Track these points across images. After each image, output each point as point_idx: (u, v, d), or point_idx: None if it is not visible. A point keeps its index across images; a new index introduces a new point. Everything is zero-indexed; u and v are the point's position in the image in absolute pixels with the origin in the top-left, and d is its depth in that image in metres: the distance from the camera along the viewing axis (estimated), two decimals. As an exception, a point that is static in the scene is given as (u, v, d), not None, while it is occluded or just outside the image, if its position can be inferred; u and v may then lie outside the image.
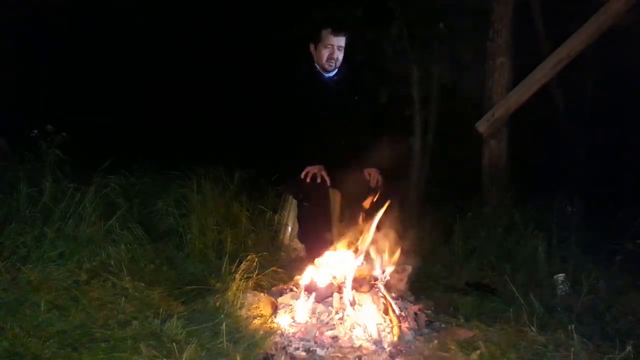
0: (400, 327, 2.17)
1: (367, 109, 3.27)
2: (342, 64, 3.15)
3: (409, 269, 2.71)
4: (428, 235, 3.59)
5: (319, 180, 2.92)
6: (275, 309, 2.32)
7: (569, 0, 4.29)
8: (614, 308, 2.47)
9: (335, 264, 2.46)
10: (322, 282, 2.38)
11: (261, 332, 2.10)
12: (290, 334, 2.13)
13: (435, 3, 4.36)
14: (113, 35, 5.17)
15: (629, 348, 1.93)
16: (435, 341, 2.15)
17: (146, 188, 3.42)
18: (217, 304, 2.27)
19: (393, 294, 2.40)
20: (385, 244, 2.60)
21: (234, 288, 2.32)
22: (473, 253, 3.32)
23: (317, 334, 2.11)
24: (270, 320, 2.23)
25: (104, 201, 2.90)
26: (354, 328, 2.14)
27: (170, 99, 5.34)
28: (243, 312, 2.23)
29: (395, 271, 2.63)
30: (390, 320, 2.20)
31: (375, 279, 2.42)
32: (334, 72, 3.16)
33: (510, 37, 4.08)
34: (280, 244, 3.32)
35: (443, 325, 2.35)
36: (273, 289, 2.55)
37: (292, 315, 2.25)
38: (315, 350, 2.03)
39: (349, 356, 2.01)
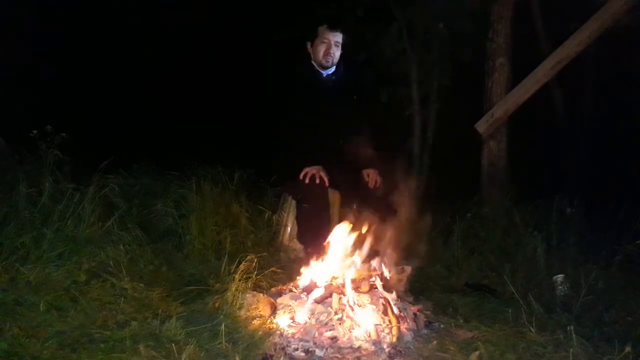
0: (399, 327, 2.16)
1: (366, 109, 3.27)
2: (341, 63, 3.15)
3: (409, 269, 2.71)
4: (427, 236, 3.59)
5: (317, 181, 2.92)
6: (274, 309, 2.32)
7: (568, 0, 4.30)
8: (613, 309, 2.47)
9: (334, 264, 2.46)
10: (321, 283, 2.38)
11: (260, 332, 2.09)
12: (290, 335, 2.13)
13: (435, 3, 4.36)
14: (112, 35, 5.17)
15: (627, 349, 1.93)
16: (435, 342, 2.15)
17: (145, 188, 3.42)
18: (216, 304, 2.27)
19: (392, 295, 2.40)
20: (385, 245, 2.61)
21: (233, 289, 2.31)
22: (472, 253, 3.32)
23: (316, 334, 2.11)
24: (269, 320, 2.23)
25: (103, 202, 2.89)
26: (353, 329, 2.14)
27: (169, 99, 5.34)
28: (242, 312, 2.23)
29: (395, 272, 2.64)
30: (390, 321, 2.20)
31: (375, 280, 2.42)
32: (332, 71, 3.16)
33: (509, 37, 4.08)
34: (279, 245, 3.32)
35: (442, 326, 2.35)
36: (272, 289, 2.55)
37: (291, 316, 2.25)
38: (314, 351, 2.03)
39: (348, 357, 2.01)
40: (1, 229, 2.53)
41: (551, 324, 2.27)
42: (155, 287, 2.44)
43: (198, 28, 5.51)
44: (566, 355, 1.96)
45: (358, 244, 2.53)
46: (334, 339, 2.10)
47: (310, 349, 2.04)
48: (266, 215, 3.41)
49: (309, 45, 3.14)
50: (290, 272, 2.75)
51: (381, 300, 2.31)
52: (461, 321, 2.37)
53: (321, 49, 3.07)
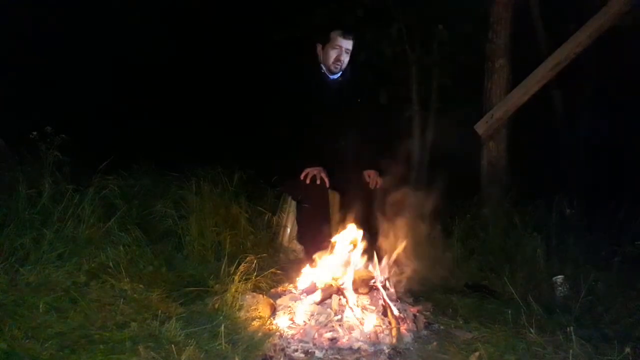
0: (399, 328, 2.17)
1: (369, 111, 3.27)
2: (347, 67, 3.16)
3: (408, 270, 2.71)
4: (427, 237, 3.59)
5: (318, 182, 2.92)
6: (274, 310, 2.32)
7: (567, 2, 4.30)
8: (613, 310, 2.47)
9: (334, 265, 2.46)
10: (321, 284, 2.38)
11: (260, 333, 2.09)
12: (289, 336, 2.13)
13: (435, 4, 4.37)
14: (112, 36, 5.17)
15: (627, 350, 1.93)
16: (434, 343, 2.16)
17: (145, 189, 3.42)
18: (216, 305, 2.26)
19: (392, 296, 2.40)
20: (385, 246, 2.61)
21: (233, 290, 2.31)
22: (472, 254, 3.33)
23: (316, 335, 2.11)
24: (269, 322, 2.23)
25: (103, 203, 2.89)
26: (352, 330, 2.14)
27: (169, 99, 5.34)
28: (242, 313, 2.23)
29: (394, 273, 2.64)
30: (389, 322, 2.20)
31: (374, 281, 2.42)
32: (339, 75, 3.16)
33: (509, 38, 4.08)
34: (279, 246, 3.32)
35: (442, 327, 2.35)
36: (272, 290, 2.55)
37: (291, 317, 2.25)
38: (314, 352, 2.03)
39: (348, 358, 2.01)
40: (1, 229, 2.53)
41: (551, 325, 2.27)
42: (155, 288, 2.44)
43: (198, 28, 5.51)
44: (566, 356, 1.96)
45: (358, 245, 2.53)
46: (333, 340, 2.10)
47: (309, 350, 2.04)
48: (266, 217, 3.41)
49: (319, 47, 3.13)
50: (290, 273, 2.75)
51: (381, 302, 2.31)
52: (461, 322, 2.37)
53: (332, 55, 3.06)
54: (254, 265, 2.50)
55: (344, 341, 2.09)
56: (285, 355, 2.00)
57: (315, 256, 2.57)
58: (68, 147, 2.91)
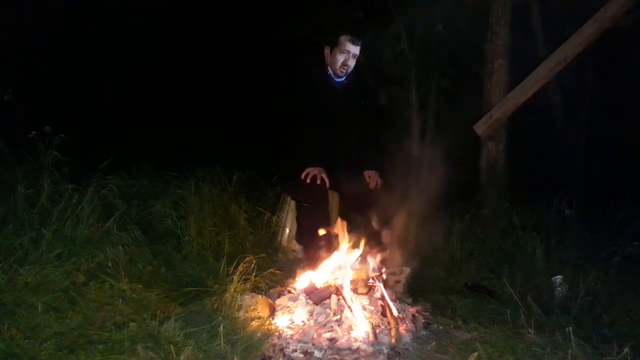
0: (398, 329, 2.16)
1: (370, 113, 3.28)
2: (353, 70, 3.16)
3: (407, 270, 2.71)
4: (426, 237, 3.59)
5: (318, 182, 2.92)
6: (273, 310, 2.32)
7: (567, 2, 4.30)
8: (612, 310, 2.47)
9: (333, 265, 2.46)
10: (320, 284, 2.38)
11: (259, 334, 2.09)
12: (288, 336, 2.13)
13: (435, 4, 4.36)
14: (111, 36, 5.17)
15: (626, 350, 1.93)
16: (433, 343, 2.16)
17: (144, 189, 3.42)
18: (215, 305, 2.26)
19: (391, 296, 2.40)
20: (384, 246, 2.61)
21: (232, 290, 2.31)
22: (471, 255, 3.33)
23: (315, 335, 2.11)
24: (268, 322, 2.23)
25: (102, 202, 2.89)
26: (351, 330, 2.14)
27: (168, 99, 5.34)
28: (241, 314, 2.23)
29: (394, 273, 2.64)
30: (388, 322, 2.20)
31: (374, 281, 2.42)
32: (344, 77, 3.16)
33: (508, 39, 4.08)
34: (278, 246, 3.32)
35: (441, 327, 2.35)
36: (271, 290, 2.55)
37: (290, 317, 2.25)
38: (313, 352, 2.03)
39: (347, 358, 2.01)
40: (0, 229, 2.53)
41: (550, 325, 2.28)
42: (154, 288, 2.44)
43: (198, 28, 5.51)
44: (565, 356, 1.96)
45: (357, 245, 2.53)
46: (332, 340, 2.10)
47: (308, 350, 2.04)
48: (265, 217, 3.41)
49: (327, 49, 3.13)
50: (289, 273, 2.75)
51: (380, 302, 2.31)
52: (460, 322, 2.37)
53: (340, 59, 3.06)
54: (253, 265, 2.50)
55: (342, 341, 2.09)
56: (284, 355, 2.00)
57: (315, 256, 2.57)
58: (67, 147, 2.91)
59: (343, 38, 3.06)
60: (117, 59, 5.22)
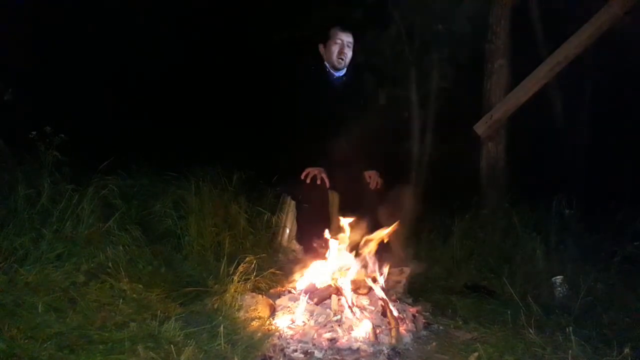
0: (398, 329, 2.16)
1: (370, 112, 3.28)
2: (351, 65, 3.16)
3: (408, 270, 2.71)
4: (426, 237, 3.59)
5: (318, 182, 2.92)
6: (273, 310, 2.32)
7: (567, 2, 4.31)
8: (612, 310, 2.48)
9: (333, 265, 2.46)
10: (320, 284, 2.38)
11: (259, 334, 2.09)
12: (289, 336, 2.13)
13: (434, 5, 4.37)
14: (112, 36, 5.17)
15: (626, 350, 1.94)
16: (434, 343, 2.16)
17: (144, 189, 3.42)
18: (215, 305, 2.26)
19: (391, 296, 2.40)
20: (384, 246, 2.61)
21: (232, 290, 2.31)
22: (471, 255, 3.33)
23: (315, 336, 2.11)
24: (268, 322, 2.23)
25: (102, 203, 2.89)
26: (352, 330, 2.14)
27: (169, 100, 5.34)
28: (241, 314, 2.23)
29: (394, 273, 2.64)
30: (389, 322, 2.20)
31: (374, 281, 2.42)
32: (343, 73, 3.16)
33: (508, 39, 4.08)
34: (278, 246, 3.32)
35: (441, 327, 2.35)
36: (271, 290, 2.55)
37: (291, 317, 2.25)
38: (313, 353, 2.03)
39: (347, 358, 2.01)
40: (0, 229, 2.53)
41: (550, 325, 2.28)
42: (154, 288, 2.44)
43: (198, 28, 5.51)
44: (565, 356, 1.96)
45: (357, 245, 2.53)
46: (333, 340, 2.10)
47: (309, 351, 2.04)
48: (265, 217, 3.41)
49: (321, 47, 3.14)
50: (289, 273, 2.75)
51: (380, 302, 2.31)
52: (460, 322, 2.38)
53: (335, 50, 3.08)
54: (253, 265, 2.50)
55: (343, 341, 2.09)
56: (284, 355, 2.00)
57: (315, 256, 2.57)
58: (67, 147, 2.90)
59: (333, 30, 3.10)
60: (117, 59, 5.22)
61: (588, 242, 3.20)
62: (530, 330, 2.16)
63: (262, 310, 2.27)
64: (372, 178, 3.09)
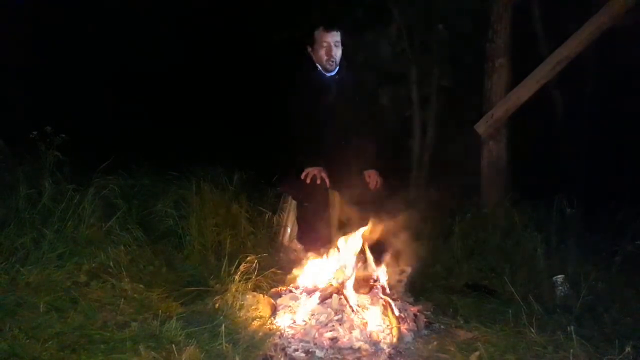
0: (399, 328, 2.17)
1: (368, 110, 3.27)
2: (343, 63, 3.13)
3: (409, 270, 2.71)
4: (427, 236, 3.59)
5: (318, 182, 2.92)
6: (274, 310, 2.32)
7: (568, 1, 4.30)
8: (613, 309, 2.47)
9: (334, 265, 2.46)
10: (321, 284, 2.38)
11: (260, 333, 2.10)
12: (290, 335, 2.13)
13: (434, 4, 4.36)
14: (112, 36, 5.17)
15: (628, 349, 1.94)
16: (435, 342, 2.16)
17: (145, 189, 3.42)
18: (216, 305, 2.26)
19: (392, 295, 2.40)
20: (385, 246, 2.61)
21: (233, 289, 2.31)
22: (472, 254, 3.32)
23: (316, 335, 2.11)
24: (269, 321, 2.23)
25: (103, 202, 2.89)
26: (353, 329, 2.14)
27: (169, 100, 5.34)
28: (242, 313, 2.23)
29: (395, 272, 2.64)
30: (390, 322, 2.20)
31: (375, 280, 2.42)
32: (336, 71, 3.14)
33: (509, 38, 4.08)
34: (279, 245, 3.32)
35: (442, 327, 2.35)
36: (272, 290, 2.55)
37: (292, 317, 2.25)
38: (315, 352, 2.03)
39: (348, 357, 2.01)
40: (1, 229, 2.53)
41: (551, 325, 2.27)
42: (155, 288, 2.44)
43: (198, 28, 5.51)
44: (566, 355, 1.96)
45: (358, 245, 2.53)
46: (334, 339, 2.10)
47: (310, 350, 2.04)
48: (266, 216, 3.41)
49: (309, 48, 3.11)
50: (290, 272, 2.75)
51: (381, 301, 2.31)
52: (461, 322, 2.37)
53: (322, 54, 3.02)
54: (254, 264, 2.50)
55: (344, 340, 2.09)
56: (285, 354, 2.01)
57: (315, 255, 2.57)
58: (68, 147, 2.91)
59: (317, 32, 3.03)
60: (117, 58, 5.22)
61: (589, 241, 3.19)
62: (532, 330, 2.16)
63: (263, 310, 2.27)
64: (372, 178, 3.08)
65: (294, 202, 3.29)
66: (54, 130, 2.87)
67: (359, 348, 2.06)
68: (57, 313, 2.08)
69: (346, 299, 2.26)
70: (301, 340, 2.10)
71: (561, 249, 3.15)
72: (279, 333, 2.14)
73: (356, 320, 2.18)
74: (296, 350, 2.04)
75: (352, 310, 2.21)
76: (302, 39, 3.16)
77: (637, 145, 4.11)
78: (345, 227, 2.75)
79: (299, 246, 3.28)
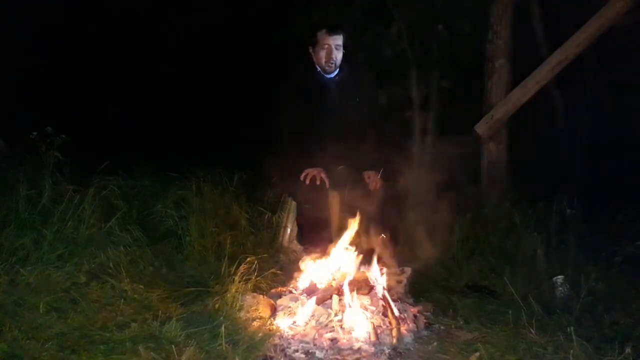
0: (399, 329, 2.16)
1: (368, 111, 3.26)
2: (343, 64, 3.13)
3: (408, 270, 2.71)
4: (427, 237, 3.58)
5: (318, 183, 2.92)
6: (274, 311, 2.32)
7: (568, 2, 4.30)
8: (614, 310, 2.47)
9: (334, 265, 2.46)
10: (321, 284, 2.38)
11: (260, 334, 2.10)
12: (289, 336, 2.13)
13: (434, 5, 4.36)
14: (113, 36, 5.17)
15: (628, 350, 1.93)
16: (435, 343, 2.15)
17: (145, 190, 3.42)
18: (216, 306, 2.27)
19: (392, 296, 2.40)
20: (385, 246, 2.61)
21: (233, 290, 2.32)
22: (472, 255, 3.32)
23: (316, 336, 2.11)
24: (269, 322, 2.23)
25: (103, 203, 2.90)
26: (353, 330, 2.14)
27: (169, 100, 5.34)
28: (242, 314, 2.23)
29: (395, 273, 2.64)
30: (390, 323, 2.20)
31: (375, 281, 2.42)
32: (336, 72, 3.14)
33: (509, 39, 4.08)
34: (279, 246, 3.32)
35: (442, 327, 2.35)
36: (272, 291, 2.55)
37: (292, 318, 2.25)
38: (314, 353, 2.03)
39: (348, 358, 2.01)
40: (1, 230, 2.53)
41: (551, 325, 2.27)
42: (155, 289, 2.44)
43: (198, 29, 5.51)
44: (566, 356, 1.96)
45: (358, 245, 2.53)
46: (334, 340, 2.10)
47: (310, 351, 2.04)
48: (266, 217, 3.41)
49: (310, 49, 3.11)
50: (290, 273, 2.75)
51: (381, 302, 2.31)
52: (461, 322, 2.37)
53: (323, 55, 3.02)
54: (254, 265, 2.50)
55: (344, 341, 2.09)
56: (285, 355, 2.01)
57: (315, 256, 2.57)
58: (68, 147, 2.91)
59: (319, 34, 3.02)
60: (118, 59, 5.22)
61: (589, 241, 3.19)
62: (532, 330, 2.16)
63: (263, 311, 2.27)
64: (372, 178, 3.08)
65: (294, 203, 3.29)
66: (54, 131, 2.87)
67: (359, 349, 2.06)
68: (57, 314, 2.08)
69: (346, 299, 2.26)
70: (301, 341, 2.10)
71: (561, 250, 3.14)
72: (278, 334, 2.14)
73: (356, 321, 2.18)
74: (296, 351, 2.04)
75: (352, 311, 2.21)
76: (303, 39, 3.17)
77: (637, 145, 4.11)
78: (344, 228, 2.73)
79: (299, 247, 3.29)
